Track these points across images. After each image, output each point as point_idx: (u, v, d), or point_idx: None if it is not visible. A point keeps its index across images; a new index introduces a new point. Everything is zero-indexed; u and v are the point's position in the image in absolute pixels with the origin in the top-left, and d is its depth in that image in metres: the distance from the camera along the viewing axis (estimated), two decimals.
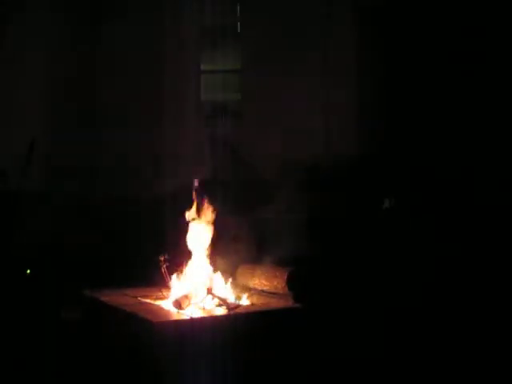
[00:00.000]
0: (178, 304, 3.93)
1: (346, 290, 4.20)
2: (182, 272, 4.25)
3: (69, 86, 6.22)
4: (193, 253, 4.28)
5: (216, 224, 4.27)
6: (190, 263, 4.27)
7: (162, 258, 4.26)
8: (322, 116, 6.36)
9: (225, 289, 4.23)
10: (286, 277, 4.30)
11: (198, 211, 4.28)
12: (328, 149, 6.20)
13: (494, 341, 4.11)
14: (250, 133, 6.37)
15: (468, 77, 5.40)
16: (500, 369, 3.84)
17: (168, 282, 4.25)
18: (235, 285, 4.37)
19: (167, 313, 3.93)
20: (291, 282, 4.27)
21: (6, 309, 4.52)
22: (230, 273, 4.38)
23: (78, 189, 5.93)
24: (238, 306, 4.04)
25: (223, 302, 4.01)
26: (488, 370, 3.83)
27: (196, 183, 4.34)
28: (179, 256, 4.29)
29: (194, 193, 4.31)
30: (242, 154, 6.27)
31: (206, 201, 4.28)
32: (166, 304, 4.07)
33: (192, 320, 3.80)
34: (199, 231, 4.26)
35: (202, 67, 6.80)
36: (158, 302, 4.15)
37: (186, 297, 4.00)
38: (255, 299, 4.25)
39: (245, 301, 4.19)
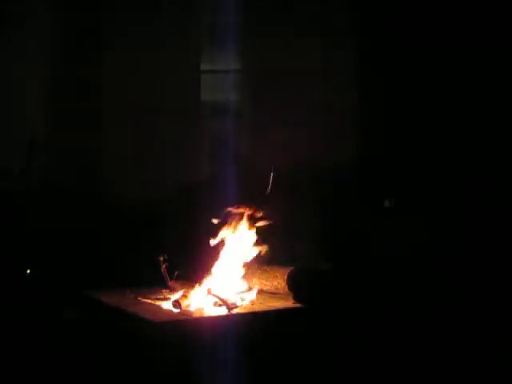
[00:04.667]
0: (178, 304, 3.93)
1: (347, 290, 4.20)
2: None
3: (68, 86, 6.21)
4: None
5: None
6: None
7: (162, 258, 4.26)
8: (322, 116, 6.35)
9: (225, 289, 4.23)
10: (286, 277, 4.31)
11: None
12: (328, 149, 6.20)
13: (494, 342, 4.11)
14: (250, 133, 6.36)
15: (469, 77, 5.40)
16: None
17: (168, 282, 4.25)
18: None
19: (167, 313, 3.93)
20: (291, 282, 4.27)
21: (6, 309, 4.52)
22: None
23: (78, 189, 5.92)
24: (238, 305, 4.05)
25: (223, 302, 4.01)
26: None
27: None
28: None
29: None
30: (241, 154, 6.26)
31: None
32: (166, 304, 4.07)
33: (192, 320, 3.81)
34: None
35: (202, 67, 6.79)
36: (157, 302, 4.15)
37: (185, 297, 4.00)
38: (255, 299, 4.25)
39: (245, 301, 4.19)
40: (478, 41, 5.36)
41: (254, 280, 4.47)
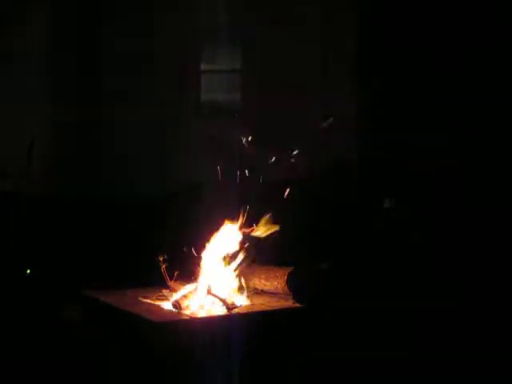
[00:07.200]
0: (178, 304, 3.93)
1: (346, 290, 4.20)
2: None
3: (68, 87, 6.22)
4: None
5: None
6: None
7: (162, 258, 4.26)
8: (321, 116, 6.36)
9: (225, 289, 4.23)
10: (286, 277, 4.30)
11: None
12: (327, 150, 6.20)
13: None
14: (250, 133, 6.36)
15: (468, 77, 5.40)
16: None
17: (168, 282, 4.25)
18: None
19: (167, 313, 3.93)
20: (291, 282, 4.27)
21: (6, 309, 4.52)
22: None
23: (78, 188, 5.93)
24: (238, 305, 4.04)
25: (223, 302, 4.00)
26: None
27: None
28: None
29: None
30: (241, 155, 6.26)
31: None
32: (166, 304, 4.07)
33: (192, 320, 3.80)
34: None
35: (202, 67, 6.80)
36: (157, 302, 4.15)
37: (185, 297, 4.00)
38: (255, 299, 4.25)
39: (245, 301, 4.19)
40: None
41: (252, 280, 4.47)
